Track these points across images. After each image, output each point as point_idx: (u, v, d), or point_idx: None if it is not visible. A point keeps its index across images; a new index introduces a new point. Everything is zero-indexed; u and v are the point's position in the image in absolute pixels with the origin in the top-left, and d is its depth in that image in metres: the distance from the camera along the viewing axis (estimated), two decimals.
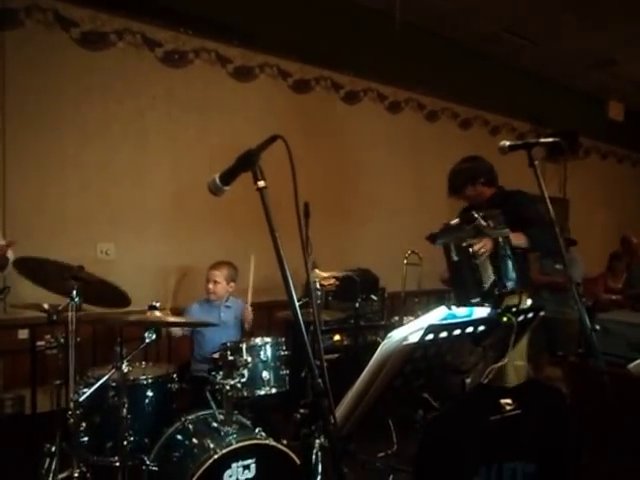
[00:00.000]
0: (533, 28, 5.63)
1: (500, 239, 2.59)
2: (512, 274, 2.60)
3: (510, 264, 2.60)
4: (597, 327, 3.48)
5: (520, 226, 2.70)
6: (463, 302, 2.60)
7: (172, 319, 2.54)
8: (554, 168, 6.51)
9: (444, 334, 1.35)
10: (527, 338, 2.79)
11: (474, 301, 2.53)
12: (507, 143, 2.04)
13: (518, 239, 2.69)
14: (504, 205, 2.75)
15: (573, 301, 4.40)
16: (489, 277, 2.57)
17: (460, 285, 2.71)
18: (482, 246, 2.55)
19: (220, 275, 3.31)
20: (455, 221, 2.75)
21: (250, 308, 3.28)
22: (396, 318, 4.13)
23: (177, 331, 3.30)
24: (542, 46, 5.99)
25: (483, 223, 2.57)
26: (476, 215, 2.60)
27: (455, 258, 2.65)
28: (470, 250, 2.56)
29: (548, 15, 5.33)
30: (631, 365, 2.33)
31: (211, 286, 3.30)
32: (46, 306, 2.62)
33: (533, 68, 6.61)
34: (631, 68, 6.61)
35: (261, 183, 1.33)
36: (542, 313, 1.69)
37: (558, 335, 4.60)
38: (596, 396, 1.83)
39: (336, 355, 3.84)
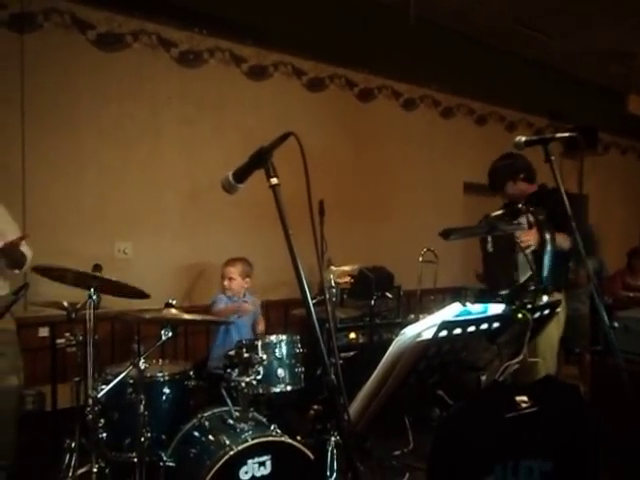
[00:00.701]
0: (549, 22, 5.55)
1: (547, 236, 2.56)
2: (547, 272, 2.56)
3: (548, 262, 2.57)
4: (616, 324, 3.42)
5: (560, 226, 2.65)
6: (491, 293, 2.57)
7: (187, 316, 2.56)
8: (572, 164, 6.41)
9: (458, 331, 1.34)
10: (558, 335, 2.76)
11: (502, 293, 2.49)
12: (523, 138, 2.01)
13: (563, 240, 2.65)
14: (545, 203, 2.72)
15: (585, 297, 4.36)
16: (526, 272, 2.54)
17: (491, 276, 2.68)
18: (529, 239, 2.52)
19: (235, 271, 3.34)
20: (498, 213, 2.73)
21: (262, 320, 3.43)
22: (412, 316, 4.11)
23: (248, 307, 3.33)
24: (558, 40, 5.90)
25: (531, 218, 2.55)
26: (524, 208, 2.57)
27: (490, 249, 2.63)
28: (513, 242, 2.52)
29: (564, 8, 5.25)
30: None
31: (226, 282, 3.33)
32: (65, 304, 2.66)
33: (550, 62, 6.52)
34: None
35: (274, 180, 1.33)
36: (558, 310, 1.67)
37: (570, 332, 4.55)
38: (615, 394, 1.80)
39: (351, 353, 3.84)
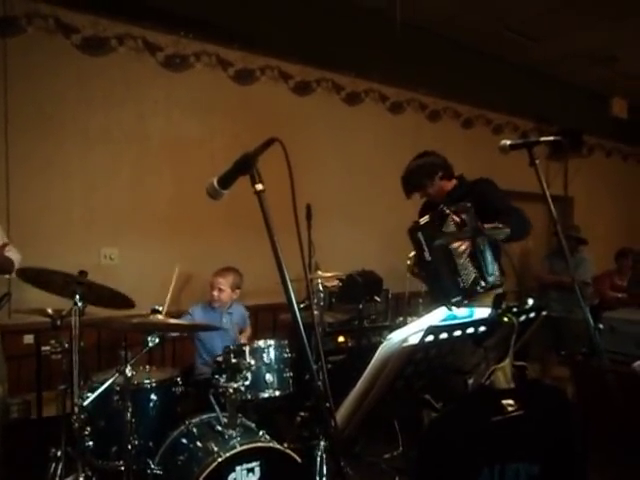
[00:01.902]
0: (534, 26, 5.61)
1: (478, 236, 2.47)
2: (492, 268, 2.50)
3: (489, 258, 2.50)
4: (601, 326, 3.46)
5: (490, 216, 2.58)
6: (443, 303, 2.46)
7: (174, 321, 2.54)
8: (557, 166, 6.48)
9: (444, 335, 1.35)
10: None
11: (454, 300, 2.41)
12: (508, 142, 2.03)
13: (494, 230, 2.53)
14: (469, 196, 2.63)
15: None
16: (470, 274, 2.46)
17: (437, 286, 2.57)
18: (462, 243, 2.44)
19: (225, 283, 3.31)
20: (425, 219, 2.60)
21: (249, 331, 3.40)
22: (400, 319, 4.12)
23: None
24: (544, 44, 5.97)
25: (457, 219, 2.47)
26: (447, 211, 2.47)
27: (428, 258, 2.51)
28: (449, 249, 2.44)
29: (549, 13, 5.31)
30: (636, 364, 2.32)
31: (216, 293, 3.30)
32: (50, 311, 2.63)
33: (535, 66, 6.59)
34: (634, 64, 6.57)
35: (259, 186, 1.33)
36: (544, 313, 1.68)
37: (566, 334, 4.59)
38: (601, 395, 1.81)
39: (340, 357, 3.83)
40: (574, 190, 7.08)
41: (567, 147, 2.04)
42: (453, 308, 1.47)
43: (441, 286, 2.51)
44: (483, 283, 2.46)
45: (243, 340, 3.30)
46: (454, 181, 2.98)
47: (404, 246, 4.31)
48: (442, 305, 2.16)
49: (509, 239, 2.61)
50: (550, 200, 1.89)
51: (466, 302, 2.39)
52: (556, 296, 4.77)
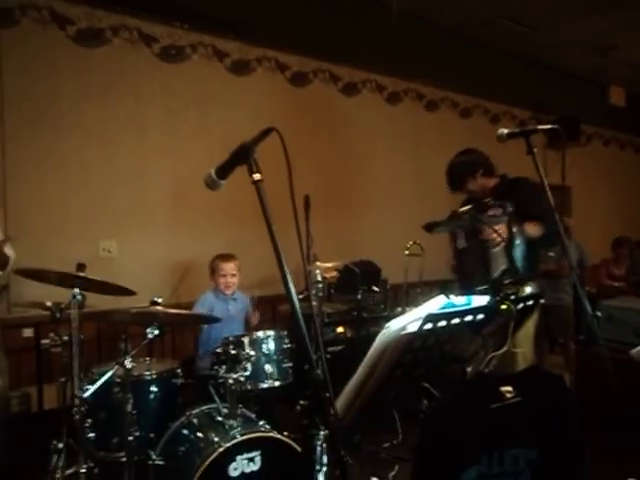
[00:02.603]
0: (531, 14, 5.59)
1: (514, 227, 2.57)
2: (520, 263, 2.59)
3: (519, 253, 2.59)
4: (598, 314, 3.47)
5: (528, 216, 2.68)
6: (468, 290, 2.59)
7: (174, 311, 2.54)
8: (555, 155, 6.46)
9: (443, 323, 1.35)
10: (534, 324, 2.80)
11: (480, 289, 2.52)
12: (505, 131, 2.02)
13: (532, 229, 2.67)
14: (511, 195, 2.72)
15: (569, 287, 4.41)
16: (499, 266, 2.56)
17: (465, 272, 2.69)
18: (500, 233, 2.53)
19: (235, 268, 3.32)
20: (464, 208, 2.73)
21: (257, 313, 3.37)
22: (398, 309, 4.13)
23: None
24: (541, 32, 5.95)
25: (495, 212, 2.56)
26: (491, 203, 2.58)
27: (463, 245, 2.63)
28: (482, 237, 2.55)
29: (547, 2, 5.28)
30: (634, 351, 2.32)
31: (230, 280, 3.29)
32: (49, 304, 2.63)
33: (533, 55, 6.56)
34: (631, 53, 6.55)
35: (256, 176, 1.33)
36: (542, 300, 1.69)
37: (555, 322, 4.61)
38: (599, 382, 1.82)
39: (339, 347, 3.85)
40: (571, 179, 7.05)
41: (565, 136, 2.04)
42: (451, 296, 1.47)
43: (469, 273, 2.59)
44: (510, 276, 2.51)
45: (255, 321, 3.31)
46: (496, 179, 3.02)
47: (402, 236, 4.34)
48: (469, 293, 2.27)
49: (542, 241, 2.74)
50: (548, 189, 1.89)
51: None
52: (543, 284, 4.79)
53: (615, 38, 6.17)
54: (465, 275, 2.74)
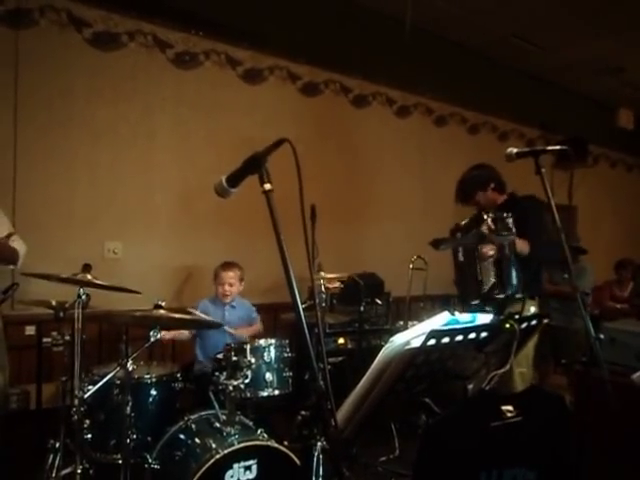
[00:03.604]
0: (542, 34, 5.62)
1: (506, 245, 2.60)
2: (514, 280, 2.61)
3: (513, 270, 2.61)
4: (602, 336, 3.46)
5: (524, 233, 2.71)
6: (464, 303, 2.65)
7: (177, 315, 2.55)
8: (563, 175, 6.47)
9: (446, 340, 1.35)
10: (534, 345, 2.81)
11: (473, 303, 2.57)
12: (514, 150, 2.03)
13: (522, 246, 2.69)
14: (514, 210, 2.76)
15: (580, 310, 4.39)
16: (489, 280, 2.60)
17: (462, 286, 2.75)
18: (490, 249, 2.59)
19: (235, 277, 3.33)
20: (465, 221, 2.79)
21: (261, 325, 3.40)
22: (401, 322, 4.13)
23: (185, 334, 3.30)
24: (551, 52, 5.98)
25: (491, 225, 2.59)
26: (485, 216, 2.62)
27: (461, 259, 2.69)
28: (476, 252, 2.59)
29: (557, 21, 5.31)
30: (635, 375, 2.32)
31: (227, 288, 3.31)
32: (53, 303, 2.64)
33: (542, 74, 6.59)
34: None
35: (267, 186, 1.34)
36: (546, 321, 1.69)
37: (565, 344, 4.59)
38: (600, 405, 1.82)
39: (340, 358, 3.84)
40: (577, 199, 7.07)
41: (574, 157, 2.05)
42: (456, 313, 1.48)
43: (465, 287, 2.65)
44: (500, 290, 2.53)
45: (245, 334, 3.24)
46: (505, 196, 3.07)
47: (407, 249, 4.34)
48: (464, 305, 2.30)
49: (537, 260, 2.79)
50: (555, 209, 1.90)
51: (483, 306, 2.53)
52: (556, 305, 4.76)
53: (625, 61, 6.19)
54: (462, 288, 2.80)
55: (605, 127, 7.28)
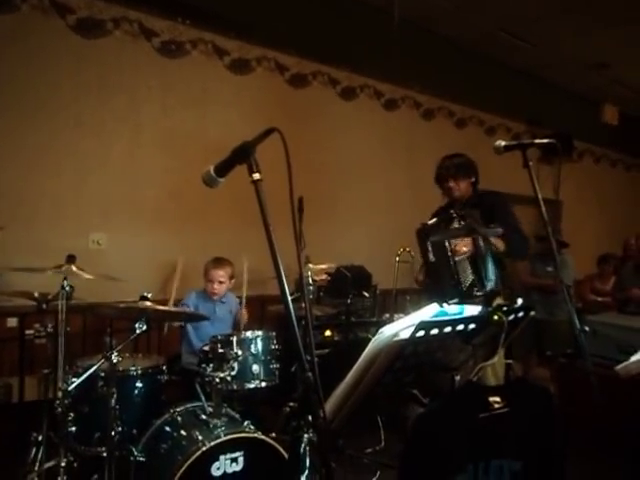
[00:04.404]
0: (530, 29, 5.64)
1: (480, 240, 2.56)
2: (491, 275, 2.59)
3: (490, 265, 2.59)
4: (587, 328, 3.51)
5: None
6: (440, 303, 2.57)
7: (163, 308, 2.53)
8: (548, 169, 6.53)
9: (435, 331, 1.35)
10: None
11: (452, 302, 2.49)
12: (502, 143, 2.04)
13: (497, 241, 2.65)
14: (480, 206, 2.72)
15: (563, 303, 4.44)
16: (468, 277, 2.55)
17: (438, 287, 2.65)
18: (464, 245, 2.54)
19: (225, 275, 3.29)
20: (433, 221, 2.73)
21: (245, 311, 3.26)
22: (387, 315, 4.14)
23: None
24: (539, 47, 6.01)
25: (461, 223, 2.56)
26: (454, 214, 2.59)
27: (432, 259, 2.61)
28: (449, 249, 2.54)
29: (545, 17, 5.34)
30: (619, 367, 2.35)
31: (216, 286, 3.26)
32: (36, 294, 2.60)
33: (529, 69, 6.63)
34: (626, 72, 6.65)
35: (256, 176, 1.32)
36: (532, 313, 1.70)
37: (548, 337, 4.65)
38: (584, 396, 1.84)
39: (326, 350, 3.84)
40: (562, 194, 7.13)
41: (561, 151, 2.05)
42: (444, 305, 1.48)
43: (441, 287, 2.58)
44: (480, 288, 2.51)
45: (245, 320, 3.23)
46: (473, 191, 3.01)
47: (393, 243, 4.35)
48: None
49: (508, 255, 2.72)
50: (542, 202, 1.91)
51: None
52: (538, 298, 4.82)
53: (611, 57, 6.25)
54: (437, 289, 2.67)
55: (590, 122, 7.35)
